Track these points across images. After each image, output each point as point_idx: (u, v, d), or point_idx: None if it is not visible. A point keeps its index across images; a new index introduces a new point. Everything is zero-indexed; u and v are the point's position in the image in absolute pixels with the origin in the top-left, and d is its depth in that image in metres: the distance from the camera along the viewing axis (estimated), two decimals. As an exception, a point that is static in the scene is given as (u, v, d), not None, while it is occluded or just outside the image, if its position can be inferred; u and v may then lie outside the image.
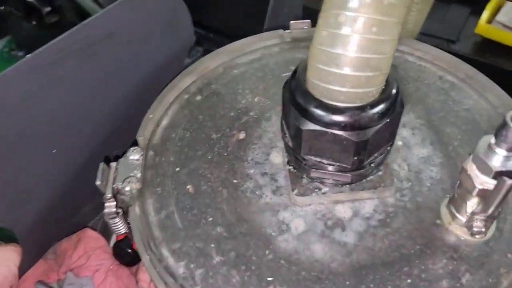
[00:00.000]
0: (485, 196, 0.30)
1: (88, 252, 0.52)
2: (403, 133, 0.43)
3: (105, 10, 0.49)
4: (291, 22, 0.54)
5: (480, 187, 0.30)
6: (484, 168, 0.30)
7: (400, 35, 0.33)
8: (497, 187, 0.28)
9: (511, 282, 0.34)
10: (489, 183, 0.29)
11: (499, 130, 0.28)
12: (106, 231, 0.58)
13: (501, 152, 0.29)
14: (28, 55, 0.44)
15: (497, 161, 0.29)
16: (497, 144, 0.29)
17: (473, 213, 0.32)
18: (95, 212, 0.60)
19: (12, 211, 0.49)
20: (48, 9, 2.34)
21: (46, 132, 0.49)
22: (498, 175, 0.28)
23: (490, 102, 0.45)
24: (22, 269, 0.53)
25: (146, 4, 0.53)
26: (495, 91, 0.46)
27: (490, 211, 0.30)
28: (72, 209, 0.57)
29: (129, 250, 0.54)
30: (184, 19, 0.58)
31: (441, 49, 1.52)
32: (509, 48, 1.27)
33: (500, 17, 1.22)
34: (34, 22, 2.26)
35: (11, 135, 0.46)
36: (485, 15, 1.20)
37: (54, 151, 0.51)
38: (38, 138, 0.49)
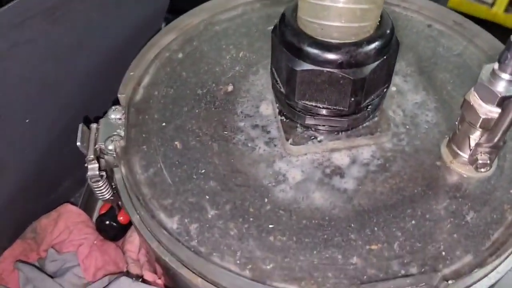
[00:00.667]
0: (489, 126, 0.29)
1: (70, 227, 0.50)
2: (396, 81, 0.42)
3: None
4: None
5: (484, 116, 0.29)
6: (488, 96, 0.28)
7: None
8: (503, 113, 0.27)
9: (516, 216, 0.33)
10: (494, 111, 0.28)
11: (503, 53, 0.27)
12: (87, 208, 0.55)
13: (505, 77, 0.28)
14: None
15: (501, 86, 0.28)
16: (501, 68, 0.28)
17: (477, 145, 0.31)
18: (76, 188, 0.57)
19: (-16, 187, 0.46)
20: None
21: (17, 100, 0.46)
22: (504, 100, 0.27)
23: (479, 47, 0.45)
24: (1, 248, 0.50)
25: None
26: (484, 36, 0.45)
27: (496, 139, 0.29)
28: (50, 184, 0.53)
29: (114, 224, 0.51)
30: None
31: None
32: (481, 21, 1.28)
33: (471, -10, 1.23)
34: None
35: None
36: (457, -11, 1.22)
37: (27, 120, 0.47)
38: (8, 106, 0.45)
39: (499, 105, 0.28)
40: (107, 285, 0.41)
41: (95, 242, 0.49)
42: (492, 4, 1.19)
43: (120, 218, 0.51)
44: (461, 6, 1.30)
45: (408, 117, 0.39)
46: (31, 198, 0.51)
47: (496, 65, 0.28)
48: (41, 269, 0.47)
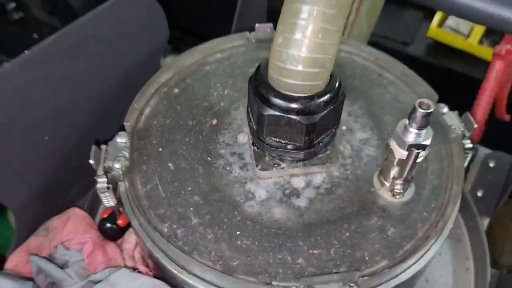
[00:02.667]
0: (402, 165, 0.40)
1: (77, 228, 0.59)
2: (349, 121, 0.53)
3: (90, 13, 0.55)
4: (256, 25, 0.62)
5: (399, 157, 0.39)
6: (401, 143, 0.39)
7: (341, 41, 0.42)
8: (408, 156, 0.38)
9: (424, 233, 0.43)
10: (404, 154, 0.39)
11: (411, 114, 0.38)
12: (92, 211, 0.64)
13: (412, 130, 0.38)
14: (25, 52, 0.50)
15: (410, 137, 0.38)
16: (410, 124, 0.38)
17: (394, 179, 0.41)
18: (81, 195, 0.66)
19: (8, 191, 0.56)
20: (13, 5, 2.35)
21: (39, 121, 0.55)
22: (409, 147, 0.38)
23: (418, 94, 0.55)
24: (16, 244, 0.59)
25: (126, 7, 0.59)
26: (422, 86, 0.56)
27: (404, 175, 0.40)
28: (61, 190, 0.63)
29: (114, 226, 0.61)
30: (159, 20, 0.66)
31: (396, 50, 1.65)
32: (457, 51, 1.41)
33: (449, 21, 1.35)
34: (-2, 18, 2.21)
35: (7, 124, 0.52)
36: (436, 19, 1.34)
37: (46, 138, 0.57)
38: (32, 127, 0.55)
39: (407, 150, 0.38)
40: (108, 275, 0.50)
41: (98, 241, 0.58)
42: (468, 35, 1.30)
43: (119, 222, 0.60)
44: (438, 35, 1.42)
45: (354, 151, 0.50)
46: (44, 201, 0.61)
47: (406, 121, 0.39)
48: (52, 261, 0.56)
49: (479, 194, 0.69)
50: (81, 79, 0.57)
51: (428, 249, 0.43)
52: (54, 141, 0.58)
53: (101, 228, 0.60)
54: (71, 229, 0.58)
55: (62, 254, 0.57)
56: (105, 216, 0.61)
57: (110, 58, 0.58)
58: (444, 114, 0.52)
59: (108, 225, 0.60)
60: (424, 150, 0.39)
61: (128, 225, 0.60)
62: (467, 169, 0.73)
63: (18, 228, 0.60)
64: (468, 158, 0.52)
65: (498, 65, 0.65)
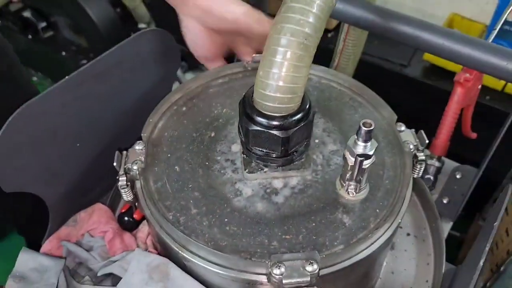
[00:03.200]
0: (352, 170, 0.51)
1: (100, 220, 0.71)
2: (323, 135, 0.64)
3: (116, 46, 0.68)
4: (254, 55, 0.75)
5: (350, 164, 0.51)
6: (351, 153, 0.50)
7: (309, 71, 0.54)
8: (355, 163, 0.49)
9: (375, 225, 0.54)
10: (353, 161, 0.50)
11: (358, 131, 0.49)
12: (112, 206, 0.76)
13: (360, 143, 0.50)
14: (66, 77, 0.64)
15: (358, 148, 0.50)
16: (357, 138, 0.50)
17: (347, 180, 0.53)
18: (104, 193, 0.79)
19: (47, 187, 0.68)
20: (43, 24, 2.56)
21: (74, 132, 0.68)
22: (356, 156, 0.49)
23: (382, 115, 0.67)
24: (51, 232, 0.72)
25: (145, 41, 0.72)
26: (386, 108, 0.66)
27: (354, 177, 0.51)
28: (87, 189, 0.75)
29: (130, 219, 0.73)
30: (173, 50, 0.79)
31: (394, 72, 1.78)
32: (451, 73, 1.53)
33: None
34: (30, 36, 2.48)
35: (51, 133, 0.65)
36: (432, 44, 1.45)
37: (78, 145, 0.70)
38: (68, 136, 0.68)
39: (355, 158, 0.50)
40: (125, 256, 0.62)
41: (117, 231, 0.70)
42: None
43: (135, 216, 0.72)
44: (433, 59, 1.54)
45: (325, 160, 0.61)
46: (74, 197, 0.73)
47: (355, 136, 0.50)
48: (79, 246, 0.69)
49: (444, 201, 0.80)
50: (108, 98, 0.70)
51: (378, 238, 0.54)
52: (84, 148, 0.70)
53: (119, 220, 0.72)
54: (95, 220, 0.71)
55: (87, 240, 0.69)
56: (123, 210, 0.74)
57: (132, 82, 0.71)
58: (401, 131, 0.64)
59: (126, 218, 0.72)
60: (369, 158, 0.50)
61: (142, 219, 0.72)
62: (435, 180, 0.84)
63: (52, 220, 0.72)
64: (422, 168, 0.63)
65: (458, 90, 0.76)
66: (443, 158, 0.83)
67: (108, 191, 0.77)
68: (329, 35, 1.75)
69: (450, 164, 0.87)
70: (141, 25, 1.85)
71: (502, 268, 0.94)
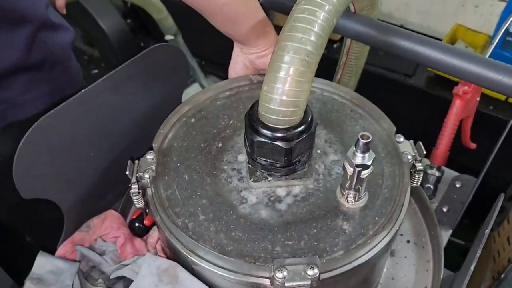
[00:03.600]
0: (351, 179, 0.54)
1: (112, 225, 0.74)
2: (324, 146, 0.67)
3: (129, 61, 0.72)
4: (259, 70, 0.78)
5: (350, 174, 0.54)
6: (350, 164, 0.53)
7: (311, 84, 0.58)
8: (353, 173, 0.52)
9: (374, 232, 0.57)
10: (352, 171, 0.53)
11: (356, 143, 0.52)
12: (124, 213, 0.80)
13: (358, 154, 0.53)
14: (83, 90, 0.67)
15: (357, 159, 0.53)
16: (356, 150, 0.53)
17: (347, 189, 0.56)
18: (116, 200, 0.82)
19: (62, 194, 0.72)
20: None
21: (89, 141, 0.71)
22: (354, 166, 0.52)
23: (382, 127, 0.70)
24: (65, 237, 0.75)
25: (156, 56, 0.75)
26: (385, 120, 0.69)
27: (352, 186, 0.54)
28: (99, 196, 0.78)
29: (141, 225, 0.76)
30: (182, 64, 0.82)
31: (399, 82, 1.81)
32: (453, 82, 1.56)
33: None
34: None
35: (68, 142, 0.69)
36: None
37: (92, 154, 0.74)
38: (83, 145, 0.71)
39: (353, 168, 0.53)
40: (136, 259, 0.65)
41: (128, 236, 0.73)
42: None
43: (145, 222, 0.75)
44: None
45: (326, 170, 0.64)
46: (87, 204, 0.76)
47: (354, 148, 0.53)
48: (92, 250, 0.72)
49: (444, 209, 0.82)
50: (121, 109, 0.73)
51: (376, 244, 0.57)
52: (98, 156, 0.74)
53: (130, 226, 0.76)
54: (108, 226, 0.74)
55: (100, 245, 0.73)
56: (134, 217, 0.77)
57: (143, 94, 0.75)
58: (400, 142, 0.66)
59: (137, 224, 0.75)
60: (367, 169, 0.53)
61: (152, 225, 0.76)
62: (435, 189, 0.86)
63: (66, 225, 0.76)
64: (420, 177, 0.66)
65: (457, 103, 0.79)
66: (443, 167, 0.86)
67: (120, 198, 0.81)
68: (335, 45, 1.80)
69: (450, 173, 0.89)
70: (168, 37, 1.88)
71: (502, 276, 0.96)
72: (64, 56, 0.87)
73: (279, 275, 0.51)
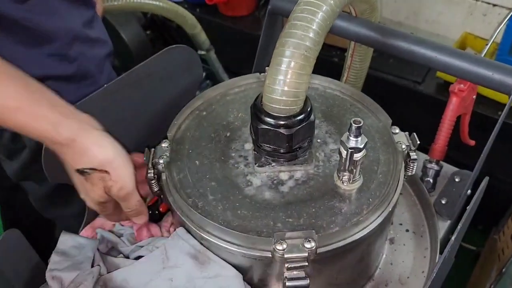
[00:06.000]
0: (345, 161, 0.60)
1: (130, 212, 0.81)
2: (325, 136, 0.72)
3: (148, 60, 0.79)
4: (266, 68, 0.84)
5: (344, 156, 0.59)
6: (344, 147, 0.59)
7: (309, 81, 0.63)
8: (347, 155, 0.58)
9: (368, 212, 0.62)
10: (345, 153, 0.59)
11: (349, 127, 0.58)
12: (140, 201, 0.86)
13: (351, 138, 0.58)
14: (105, 85, 0.75)
15: (350, 143, 0.58)
16: (350, 134, 0.58)
17: (342, 171, 0.61)
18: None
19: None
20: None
21: (109, 133, 0.79)
22: (348, 149, 0.58)
23: (379, 119, 0.75)
24: (88, 221, 0.82)
25: (172, 55, 0.83)
26: (382, 113, 0.75)
27: (346, 168, 0.59)
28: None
29: (156, 212, 0.82)
30: (196, 64, 0.89)
31: (409, 88, 1.85)
32: None
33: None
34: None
35: None
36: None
37: None
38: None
39: (346, 151, 0.58)
40: (150, 241, 0.71)
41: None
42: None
43: (160, 209, 0.82)
44: (446, 76, 1.61)
45: (326, 157, 0.69)
46: None
47: (347, 133, 0.59)
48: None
49: (443, 202, 0.86)
50: (140, 104, 0.80)
51: (370, 223, 0.62)
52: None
53: None
54: None
55: (118, 229, 0.78)
56: (150, 204, 0.83)
57: (161, 90, 0.82)
58: (395, 133, 0.71)
59: (152, 210, 0.82)
60: (360, 152, 0.59)
61: (167, 211, 0.82)
62: (435, 182, 0.90)
63: (87, 212, 0.82)
64: (415, 166, 0.70)
65: (453, 100, 0.84)
66: (442, 162, 0.90)
67: None
68: (346, 53, 1.85)
69: (450, 169, 0.93)
70: (200, 52, 1.90)
71: (504, 269, 0.99)
72: (96, 69, 0.88)
73: (279, 247, 0.57)
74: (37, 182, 0.99)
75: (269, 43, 0.91)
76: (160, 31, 2.63)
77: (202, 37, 1.89)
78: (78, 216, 0.78)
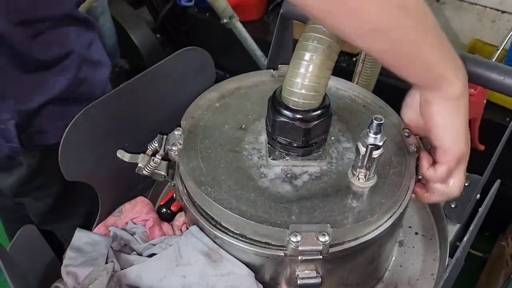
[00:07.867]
0: (363, 158, 0.60)
1: (142, 210, 0.77)
2: (338, 135, 0.73)
3: (161, 62, 0.78)
4: (279, 65, 0.85)
5: (362, 153, 0.60)
6: (363, 143, 0.59)
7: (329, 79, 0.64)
8: (366, 151, 0.58)
9: (380, 212, 0.62)
10: (364, 150, 0.59)
11: (370, 124, 0.58)
12: (153, 200, 0.85)
13: (371, 134, 0.58)
14: (121, 85, 0.74)
15: (369, 139, 0.59)
16: (369, 131, 0.58)
17: (358, 168, 0.61)
18: (146, 189, 0.86)
19: (100, 179, 0.76)
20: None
21: (124, 132, 0.76)
22: (367, 145, 0.58)
23: (392, 122, 0.75)
24: (100, 220, 0.80)
25: (186, 57, 0.81)
26: (394, 115, 0.75)
27: (364, 165, 0.60)
28: (132, 185, 0.83)
29: (168, 211, 0.81)
30: (209, 66, 0.88)
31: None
32: None
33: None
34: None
35: (105, 133, 0.74)
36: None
37: (126, 144, 0.77)
38: (119, 136, 0.76)
39: (365, 147, 0.59)
40: (163, 240, 0.70)
41: (156, 220, 0.76)
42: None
43: (172, 208, 0.80)
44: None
45: (339, 155, 0.69)
46: (120, 192, 0.81)
47: (367, 129, 0.59)
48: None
49: (452, 205, 0.87)
50: (154, 104, 0.80)
51: (383, 223, 0.62)
52: (132, 147, 0.78)
53: (159, 212, 0.80)
54: (138, 210, 0.78)
55: (131, 227, 0.77)
56: (162, 203, 0.82)
57: (174, 90, 0.81)
58: (407, 136, 0.72)
59: (164, 210, 0.80)
60: (379, 149, 0.59)
61: (179, 210, 0.80)
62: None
63: (101, 209, 0.80)
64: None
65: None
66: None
67: (150, 187, 0.87)
68: (354, 59, 1.88)
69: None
70: (224, 21, 1.87)
71: (512, 275, 1.00)
72: (100, 92, 0.90)
73: (293, 239, 0.56)
74: (36, 199, 0.98)
75: (281, 46, 0.92)
76: (170, 34, 2.64)
77: (223, 4, 1.83)
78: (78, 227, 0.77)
